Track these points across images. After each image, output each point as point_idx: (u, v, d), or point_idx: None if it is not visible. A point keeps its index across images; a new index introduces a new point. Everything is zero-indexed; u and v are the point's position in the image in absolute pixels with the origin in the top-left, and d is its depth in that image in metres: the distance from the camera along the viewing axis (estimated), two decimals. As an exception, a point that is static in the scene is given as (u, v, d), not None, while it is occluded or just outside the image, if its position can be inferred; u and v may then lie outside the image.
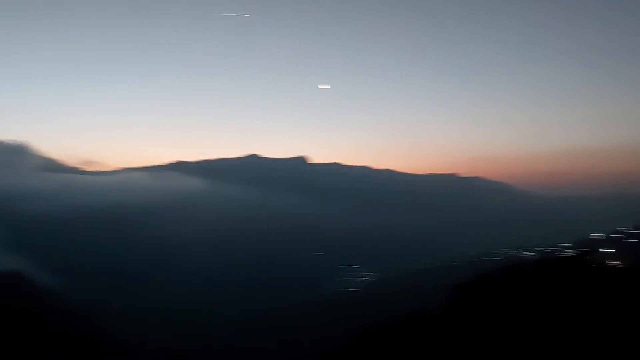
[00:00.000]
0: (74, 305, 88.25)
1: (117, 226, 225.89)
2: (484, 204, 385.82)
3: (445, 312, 51.42)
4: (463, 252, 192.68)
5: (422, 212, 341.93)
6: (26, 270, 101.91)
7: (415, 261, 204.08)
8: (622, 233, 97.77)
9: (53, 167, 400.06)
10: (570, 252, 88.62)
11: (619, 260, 61.77)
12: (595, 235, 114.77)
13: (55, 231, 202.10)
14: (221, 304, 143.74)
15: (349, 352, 56.21)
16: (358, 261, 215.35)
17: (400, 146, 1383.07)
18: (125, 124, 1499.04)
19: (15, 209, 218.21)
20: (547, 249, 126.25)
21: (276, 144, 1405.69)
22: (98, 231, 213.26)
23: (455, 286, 56.55)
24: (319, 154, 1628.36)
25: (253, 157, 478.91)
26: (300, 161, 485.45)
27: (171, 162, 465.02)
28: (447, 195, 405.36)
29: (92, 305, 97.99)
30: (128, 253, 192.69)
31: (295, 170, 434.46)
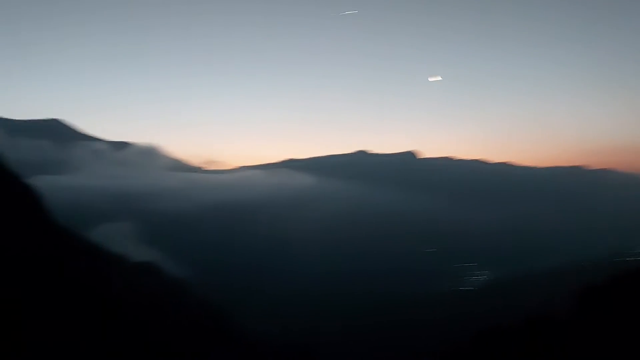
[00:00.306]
0: (198, 296, 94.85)
1: (235, 222, 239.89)
2: (617, 199, 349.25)
3: (571, 318, 46.87)
4: (593, 252, 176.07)
5: (545, 208, 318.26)
6: (158, 262, 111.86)
7: (537, 261, 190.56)
8: None
9: (180, 167, 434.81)
10: None
11: None
12: None
13: (182, 227, 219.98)
14: (335, 298, 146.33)
15: (462, 353, 53.71)
16: (473, 259, 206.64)
17: (517, 138, 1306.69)
18: (241, 123, 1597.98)
19: (147, 206, 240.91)
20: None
21: (385, 139, 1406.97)
22: (219, 226, 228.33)
23: (583, 289, 51.28)
24: (429, 148, 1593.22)
25: (361, 153, 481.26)
26: (409, 156, 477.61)
27: (283, 159, 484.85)
28: (573, 190, 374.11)
29: (213, 297, 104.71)
30: (245, 248, 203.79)
31: (404, 166, 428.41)
